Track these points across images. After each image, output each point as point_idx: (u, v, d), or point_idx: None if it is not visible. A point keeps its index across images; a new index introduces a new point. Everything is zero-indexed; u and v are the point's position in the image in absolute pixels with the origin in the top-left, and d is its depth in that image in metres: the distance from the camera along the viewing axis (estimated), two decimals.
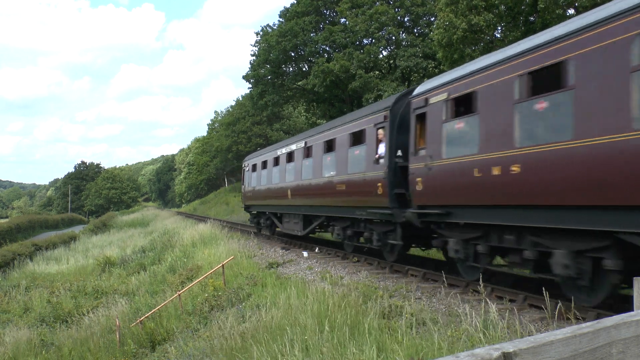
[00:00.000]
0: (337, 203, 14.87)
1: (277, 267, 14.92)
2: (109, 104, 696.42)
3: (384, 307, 8.25)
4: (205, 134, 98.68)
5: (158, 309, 14.42)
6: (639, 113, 6.14)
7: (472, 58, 20.01)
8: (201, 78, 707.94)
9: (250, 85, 44.10)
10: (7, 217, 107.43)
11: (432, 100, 10.35)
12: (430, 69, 32.80)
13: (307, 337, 6.92)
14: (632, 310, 2.82)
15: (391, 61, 36.71)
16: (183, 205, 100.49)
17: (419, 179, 10.62)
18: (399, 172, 11.69)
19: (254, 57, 42.42)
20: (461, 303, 8.39)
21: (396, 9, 35.81)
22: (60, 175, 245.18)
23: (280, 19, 41.78)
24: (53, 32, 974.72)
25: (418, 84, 12.88)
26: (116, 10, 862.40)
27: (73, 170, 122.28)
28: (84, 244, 41.04)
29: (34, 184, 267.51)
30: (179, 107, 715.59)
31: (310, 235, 19.01)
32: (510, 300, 8.63)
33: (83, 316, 16.99)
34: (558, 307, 6.89)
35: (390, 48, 36.47)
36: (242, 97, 68.48)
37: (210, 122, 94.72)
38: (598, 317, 6.74)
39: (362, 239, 14.58)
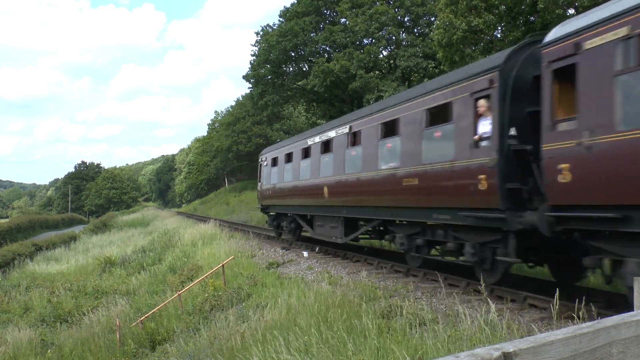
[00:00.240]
0: (401, 203, 11.71)
1: (277, 267, 14.94)
2: (109, 104, 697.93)
3: (383, 307, 8.27)
4: (205, 134, 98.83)
5: (158, 309, 14.45)
6: None
7: (472, 58, 20.04)
8: (201, 78, 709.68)
9: (250, 85, 44.13)
10: (7, 217, 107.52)
11: (591, 43, 7.29)
12: (431, 69, 32.84)
13: (307, 337, 6.92)
14: (632, 310, 2.83)
15: (391, 61, 36.74)
16: (183, 205, 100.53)
17: (564, 165, 7.52)
18: (513, 159, 8.58)
19: (254, 57, 42.43)
20: (461, 303, 8.39)
21: (396, 9, 35.86)
22: (61, 175, 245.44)
23: (281, 19, 41.78)
24: (53, 32, 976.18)
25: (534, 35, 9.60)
26: (116, 10, 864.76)
27: (73, 170, 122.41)
28: (84, 244, 41.06)
29: (34, 184, 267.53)
30: (179, 107, 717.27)
31: (352, 241, 15.59)
32: (512, 300, 8.64)
33: (83, 316, 17.01)
34: (558, 307, 6.89)
35: (391, 48, 36.51)
36: (242, 97, 68.55)
37: (210, 122, 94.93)
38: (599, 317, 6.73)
39: (435, 251, 11.82)
